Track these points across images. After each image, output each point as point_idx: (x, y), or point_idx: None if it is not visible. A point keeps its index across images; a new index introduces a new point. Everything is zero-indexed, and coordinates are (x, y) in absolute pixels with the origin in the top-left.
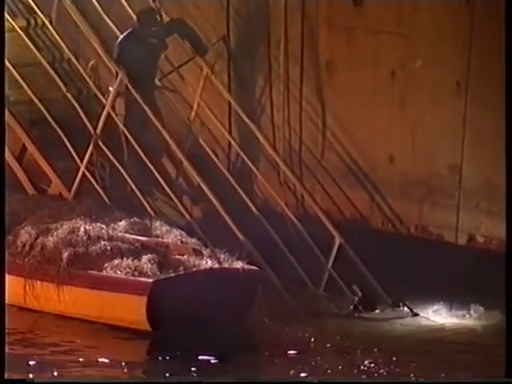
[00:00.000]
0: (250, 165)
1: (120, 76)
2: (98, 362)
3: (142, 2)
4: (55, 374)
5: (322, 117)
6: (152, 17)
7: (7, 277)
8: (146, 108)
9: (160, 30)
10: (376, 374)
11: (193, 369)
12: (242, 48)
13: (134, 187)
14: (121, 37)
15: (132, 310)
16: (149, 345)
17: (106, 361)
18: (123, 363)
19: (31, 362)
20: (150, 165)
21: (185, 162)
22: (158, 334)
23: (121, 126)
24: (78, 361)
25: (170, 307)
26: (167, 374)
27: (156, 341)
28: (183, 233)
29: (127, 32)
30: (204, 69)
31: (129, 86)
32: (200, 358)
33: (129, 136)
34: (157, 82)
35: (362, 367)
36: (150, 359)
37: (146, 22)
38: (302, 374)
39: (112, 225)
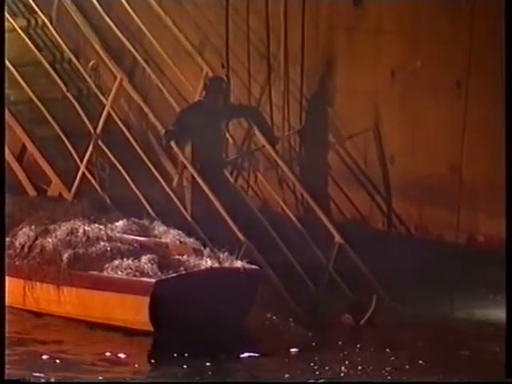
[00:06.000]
0: (250, 165)
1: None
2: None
3: (142, 1)
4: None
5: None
6: (219, 85)
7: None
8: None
9: (227, 102)
10: (377, 373)
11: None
12: (240, 48)
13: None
14: (187, 106)
15: (134, 311)
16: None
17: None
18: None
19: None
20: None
21: (186, 163)
22: (160, 334)
23: None
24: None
25: (173, 307)
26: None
27: (158, 341)
28: (181, 233)
29: (195, 101)
30: (204, 68)
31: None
32: (200, 357)
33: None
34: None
35: (361, 367)
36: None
37: (214, 90)
38: (302, 373)
39: (110, 225)
